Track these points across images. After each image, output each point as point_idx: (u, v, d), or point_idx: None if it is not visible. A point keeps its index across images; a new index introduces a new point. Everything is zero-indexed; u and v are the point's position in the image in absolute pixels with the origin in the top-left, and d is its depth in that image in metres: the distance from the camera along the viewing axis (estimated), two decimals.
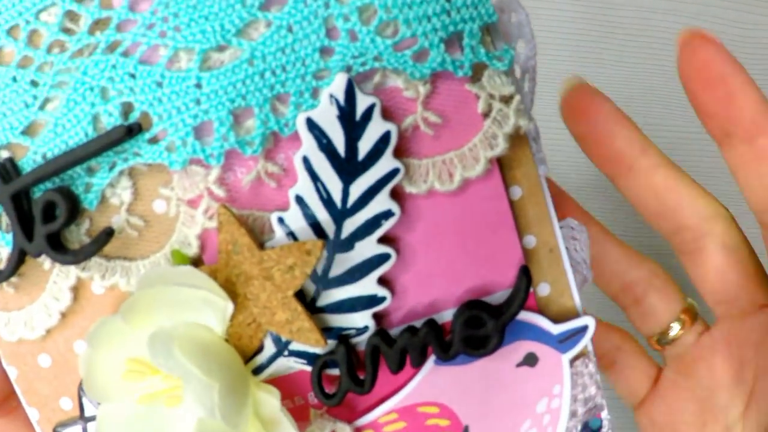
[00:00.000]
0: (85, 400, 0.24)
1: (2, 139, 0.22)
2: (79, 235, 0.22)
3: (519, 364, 0.23)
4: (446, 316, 0.22)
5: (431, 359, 0.23)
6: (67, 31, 0.21)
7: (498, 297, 0.22)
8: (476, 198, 0.22)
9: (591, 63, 0.45)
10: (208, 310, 0.22)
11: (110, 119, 0.21)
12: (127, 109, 0.21)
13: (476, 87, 0.21)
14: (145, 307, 0.21)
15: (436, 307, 0.22)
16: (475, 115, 0.21)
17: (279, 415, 0.22)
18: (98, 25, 0.21)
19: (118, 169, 0.22)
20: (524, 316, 0.22)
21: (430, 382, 0.23)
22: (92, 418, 0.24)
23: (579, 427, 0.24)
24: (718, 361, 0.25)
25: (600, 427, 0.24)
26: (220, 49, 0.21)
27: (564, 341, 0.23)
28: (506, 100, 0.21)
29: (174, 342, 0.20)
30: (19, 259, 0.22)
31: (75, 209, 0.22)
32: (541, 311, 0.23)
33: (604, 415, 0.23)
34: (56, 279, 0.23)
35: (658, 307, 0.28)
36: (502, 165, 0.22)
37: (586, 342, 0.23)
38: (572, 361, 0.23)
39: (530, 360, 0.23)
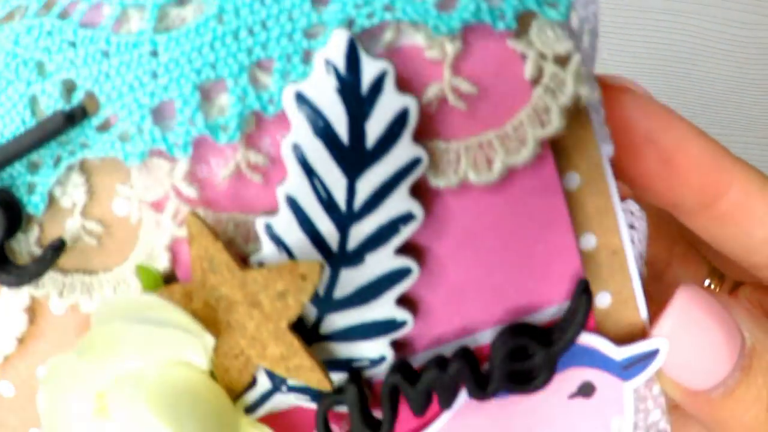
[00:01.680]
0: None
1: None
2: (28, 245, 0.14)
3: (572, 395, 0.14)
4: (482, 338, 0.14)
5: (463, 392, 0.14)
6: None
7: (547, 314, 0.14)
8: (522, 192, 0.13)
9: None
10: (187, 341, 0.13)
11: (50, 101, 0.13)
12: (69, 87, 0.13)
13: (522, 43, 0.12)
14: (106, 345, 0.13)
15: (470, 328, 0.14)
16: (521, 82, 0.12)
17: None
18: None
19: (64, 164, 0.13)
20: (584, 339, 0.14)
21: (460, 422, 0.14)
22: None
23: None
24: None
25: None
26: (181, 2, 0.12)
27: (629, 367, 0.14)
28: (562, 60, 0.12)
29: (142, 392, 0.12)
30: None
31: (16, 217, 0.13)
32: (599, 327, 0.14)
33: None
34: (8, 300, 0.14)
35: (684, 277, 0.19)
36: (555, 146, 0.13)
37: (654, 369, 0.14)
38: None
39: (586, 390, 0.14)
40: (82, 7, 0.12)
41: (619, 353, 0.14)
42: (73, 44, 0.12)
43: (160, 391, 0.12)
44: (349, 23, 0.12)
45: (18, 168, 0.13)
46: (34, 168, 0.13)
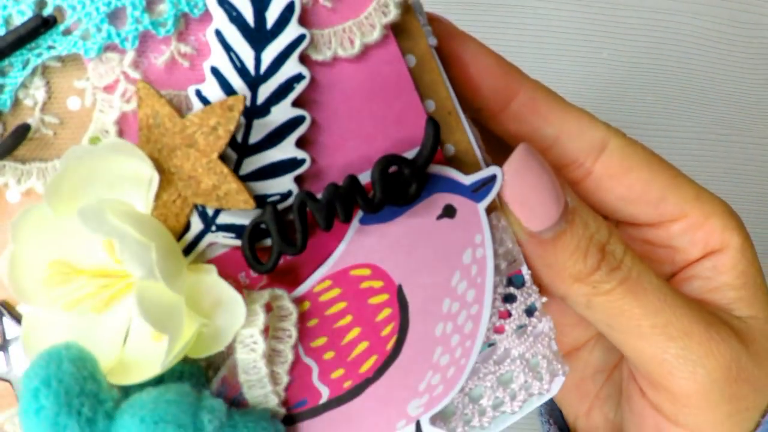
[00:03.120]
0: (6, 321, 0.19)
1: None
2: None
3: (439, 217, 0.21)
4: (365, 177, 0.21)
5: (356, 220, 0.20)
6: None
7: (411, 154, 0.21)
8: (377, 63, 0.20)
9: (591, 63, 0.41)
10: (133, 189, 0.19)
11: (23, 18, 0.19)
12: (40, 6, 0.19)
13: None
14: (70, 189, 0.18)
15: (354, 169, 0.20)
16: None
17: (220, 286, 0.19)
18: None
19: (32, 65, 0.19)
20: (437, 170, 0.21)
21: (358, 243, 0.20)
22: (14, 340, 0.20)
23: (505, 282, 0.22)
24: None
25: (524, 283, 0.22)
26: None
27: (477, 191, 0.21)
28: None
29: (105, 209, 0.17)
30: None
31: None
32: None
33: (525, 270, 0.22)
34: None
35: None
36: (396, 37, 0.21)
37: (497, 190, 0.21)
38: (487, 213, 0.22)
39: (449, 212, 0.21)
40: None
41: (468, 179, 0.21)
42: None
43: (119, 211, 0.18)
44: None
45: None
46: (3, 73, 0.19)
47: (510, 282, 0.22)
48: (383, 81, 0.20)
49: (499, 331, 0.22)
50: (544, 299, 0.22)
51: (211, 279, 0.18)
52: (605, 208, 0.22)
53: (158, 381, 0.18)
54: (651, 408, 0.20)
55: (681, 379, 0.19)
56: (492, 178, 0.21)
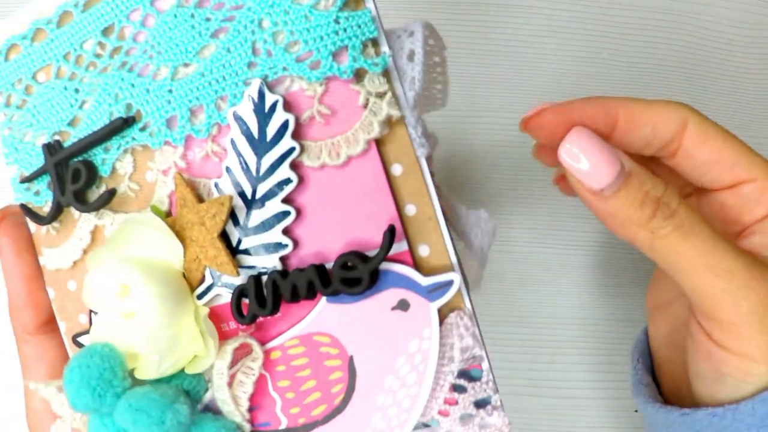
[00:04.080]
0: (93, 316, 0.29)
1: (56, 128, 0.29)
2: (97, 194, 0.29)
3: (393, 308, 0.25)
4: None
5: (325, 298, 0.26)
6: (98, 55, 0.28)
7: (375, 252, 0.26)
8: (358, 170, 0.25)
9: (591, 63, 0.41)
10: (169, 250, 0.27)
11: (119, 114, 0.28)
12: (129, 107, 0.28)
13: (358, 86, 0.25)
14: (123, 241, 0.27)
15: (326, 256, 0.26)
16: (357, 107, 0.25)
17: (207, 325, 0.26)
18: (115, 50, 0.28)
19: (122, 148, 0.28)
20: (399, 268, 0.25)
21: (322, 317, 0.26)
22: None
23: (456, 372, 0.26)
24: None
25: (480, 378, 0.25)
26: (186, 65, 0.27)
27: (432, 292, 0.25)
28: (381, 95, 0.25)
29: (133, 261, 0.26)
30: (56, 209, 0.29)
31: (93, 175, 0.28)
32: (420, 268, 0.26)
33: (485, 366, 0.25)
34: (81, 225, 0.29)
35: None
36: (383, 147, 0.25)
37: (451, 294, 0.25)
38: (445, 312, 0.25)
39: (403, 305, 0.25)
40: (139, 65, 0.28)
41: (425, 281, 0.25)
42: (133, 85, 0.28)
43: (144, 263, 0.26)
44: (265, 77, 0.26)
45: (99, 149, 0.29)
46: (107, 150, 0.29)
47: (464, 374, 0.26)
48: (363, 185, 0.25)
49: (443, 414, 0.26)
50: (498, 402, 0.26)
51: (203, 317, 0.26)
52: (692, 173, 0.26)
53: (168, 380, 0.27)
54: (704, 335, 0.24)
55: (727, 311, 0.22)
56: (449, 283, 0.25)
